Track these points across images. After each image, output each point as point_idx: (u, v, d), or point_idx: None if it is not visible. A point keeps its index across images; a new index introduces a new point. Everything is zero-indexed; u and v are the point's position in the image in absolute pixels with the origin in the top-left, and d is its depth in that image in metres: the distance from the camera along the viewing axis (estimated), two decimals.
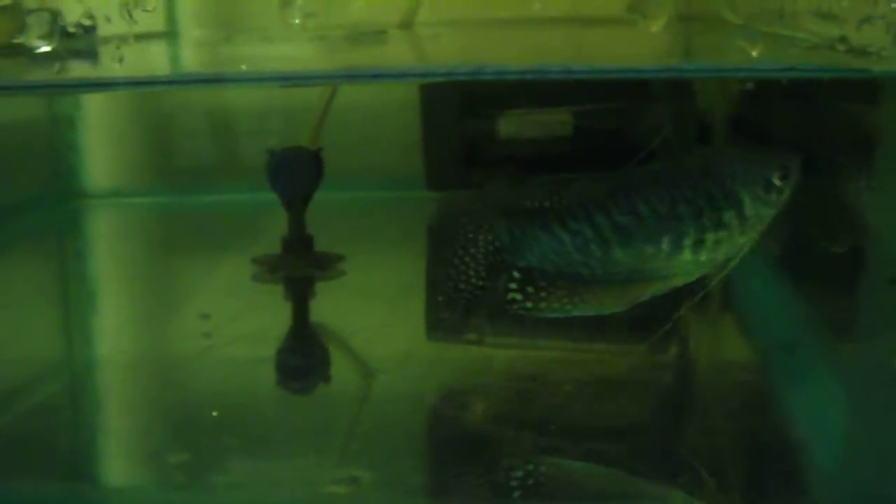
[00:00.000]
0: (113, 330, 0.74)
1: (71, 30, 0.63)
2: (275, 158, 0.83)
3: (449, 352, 0.69)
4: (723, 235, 0.50)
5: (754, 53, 0.57)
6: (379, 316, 0.74)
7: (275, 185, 0.82)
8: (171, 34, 0.94)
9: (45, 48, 0.59)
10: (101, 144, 1.10)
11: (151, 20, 0.65)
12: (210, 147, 1.10)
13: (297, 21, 0.66)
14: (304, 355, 0.69)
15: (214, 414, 0.59)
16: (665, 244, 0.49)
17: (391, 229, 0.98)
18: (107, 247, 1.02)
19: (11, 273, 0.86)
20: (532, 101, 0.99)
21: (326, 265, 0.84)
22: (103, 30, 0.65)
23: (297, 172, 0.82)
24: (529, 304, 0.50)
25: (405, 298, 0.79)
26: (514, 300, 0.50)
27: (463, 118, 1.00)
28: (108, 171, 1.10)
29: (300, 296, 0.82)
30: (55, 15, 0.60)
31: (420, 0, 0.87)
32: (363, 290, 0.81)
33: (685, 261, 0.50)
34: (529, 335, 0.68)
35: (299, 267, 0.83)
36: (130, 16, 0.61)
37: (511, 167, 0.96)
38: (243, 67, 0.66)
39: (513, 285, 0.50)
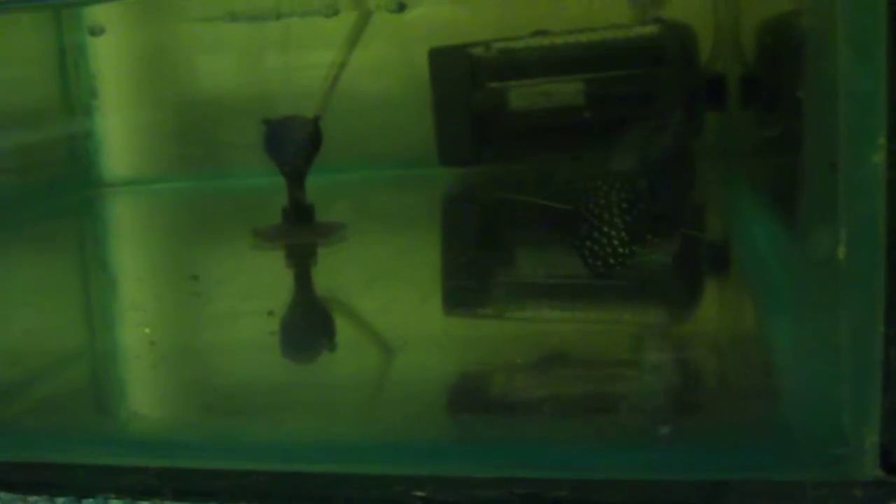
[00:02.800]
0: (135, 318, 0.70)
1: None
2: (270, 126, 0.80)
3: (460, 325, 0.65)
4: None
5: None
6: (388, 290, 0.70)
7: (270, 152, 0.80)
8: None
9: None
10: (119, 131, 1.08)
11: None
12: (228, 132, 1.08)
13: None
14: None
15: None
16: None
17: (402, 205, 0.95)
18: (125, 233, 1.00)
19: (30, 260, 0.84)
20: (544, 70, 0.95)
21: (328, 234, 0.81)
22: None
23: (292, 140, 0.79)
24: None
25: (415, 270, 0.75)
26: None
27: (474, 91, 0.97)
28: (126, 158, 1.08)
29: (300, 265, 0.78)
30: None
31: None
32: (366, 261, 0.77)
33: None
34: (545, 308, 0.64)
35: (299, 236, 0.80)
36: None
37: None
38: None
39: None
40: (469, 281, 0.69)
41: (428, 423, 0.46)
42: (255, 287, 0.72)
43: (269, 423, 0.47)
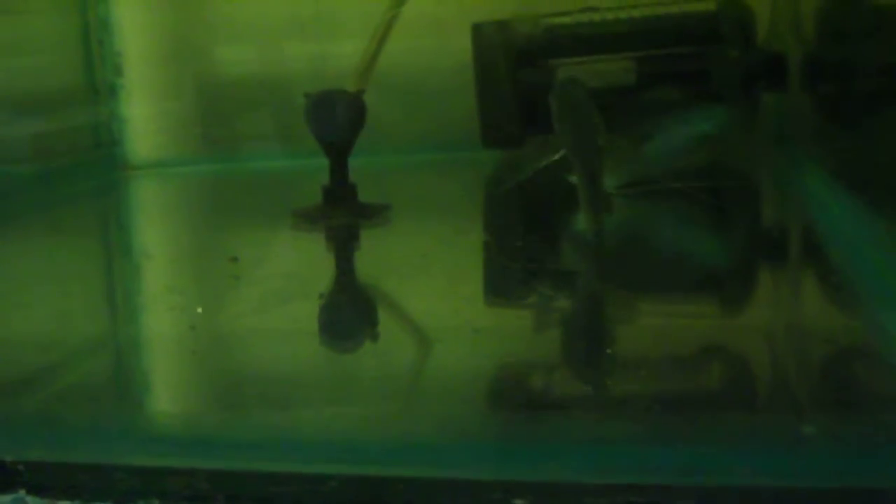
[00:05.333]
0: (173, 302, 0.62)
1: None
2: (311, 100, 0.73)
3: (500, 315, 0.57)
4: None
5: None
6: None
7: (311, 127, 0.73)
8: None
9: None
10: (144, 112, 1.01)
11: None
12: (255, 114, 1.01)
13: None
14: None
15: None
16: None
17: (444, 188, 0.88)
18: (158, 216, 0.93)
19: (60, 244, 0.77)
20: (593, 47, 0.88)
21: (371, 215, 0.74)
22: None
23: (334, 114, 0.72)
24: None
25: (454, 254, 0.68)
26: None
27: (519, 69, 0.90)
28: (152, 139, 1.01)
29: (343, 247, 0.71)
30: None
31: None
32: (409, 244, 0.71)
33: None
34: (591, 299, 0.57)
35: (341, 216, 0.73)
36: None
37: None
38: None
39: None
40: (527, 267, 0.62)
41: (524, 421, 0.39)
42: (297, 270, 0.65)
43: (333, 418, 0.40)
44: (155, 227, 0.85)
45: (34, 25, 0.93)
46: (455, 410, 0.40)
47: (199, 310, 0.53)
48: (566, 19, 0.89)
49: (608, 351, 0.45)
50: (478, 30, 0.91)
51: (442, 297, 0.57)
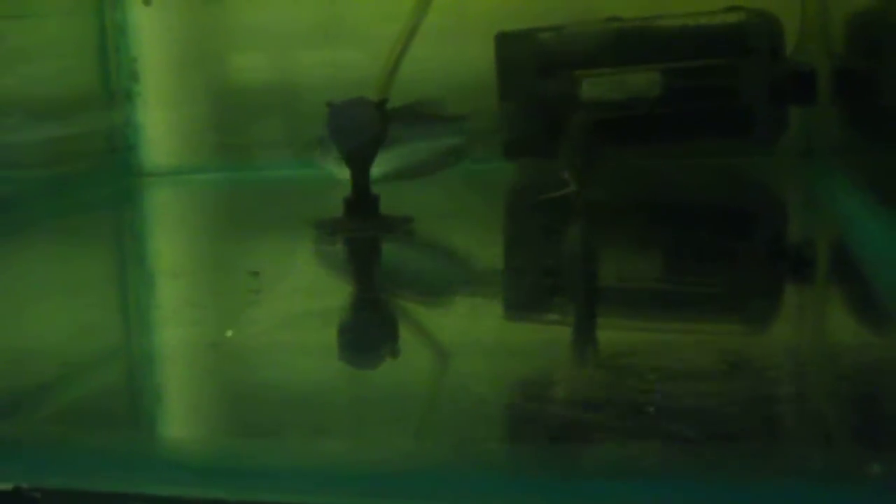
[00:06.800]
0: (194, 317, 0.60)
1: None
2: (334, 109, 0.71)
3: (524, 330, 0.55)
4: None
5: None
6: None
7: (333, 136, 0.71)
8: None
9: None
10: (160, 120, 0.99)
11: None
12: (271, 122, 0.99)
13: None
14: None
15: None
16: None
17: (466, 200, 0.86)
18: (174, 225, 0.90)
19: (75, 252, 0.75)
20: (618, 58, 0.86)
21: (393, 228, 0.71)
22: None
23: (356, 123, 0.70)
24: None
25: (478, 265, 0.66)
26: None
27: (543, 80, 0.87)
28: (167, 146, 0.99)
29: (365, 260, 0.69)
30: None
31: None
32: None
33: None
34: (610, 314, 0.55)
35: (363, 229, 0.71)
36: None
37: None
38: None
39: None
40: (563, 282, 0.60)
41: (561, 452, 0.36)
42: (319, 284, 0.62)
43: (381, 447, 0.37)
44: (172, 237, 0.83)
45: (51, 30, 0.91)
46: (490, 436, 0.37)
47: (229, 333, 0.51)
48: (591, 29, 0.87)
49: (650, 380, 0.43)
50: (501, 39, 0.89)
51: (468, 312, 0.54)
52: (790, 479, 0.32)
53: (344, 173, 0.72)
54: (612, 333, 0.51)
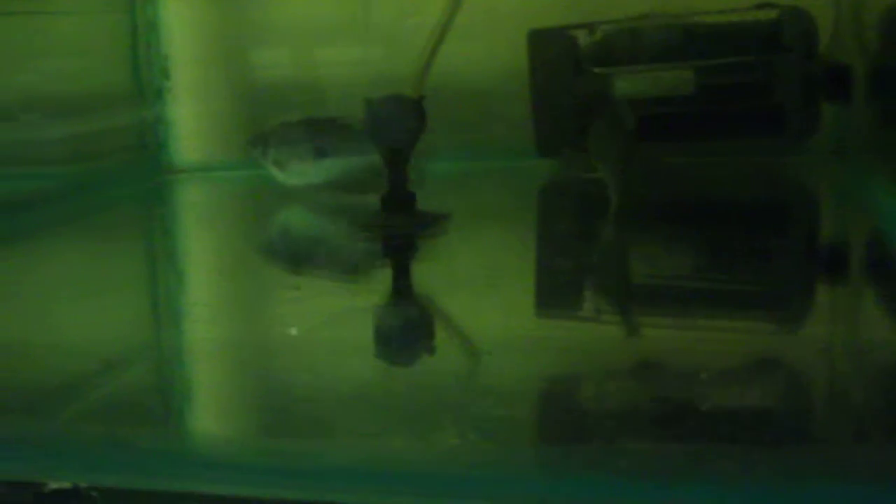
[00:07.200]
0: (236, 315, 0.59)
1: None
2: (371, 106, 0.70)
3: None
4: None
5: None
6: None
7: (370, 134, 0.70)
8: None
9: None
10: (190, 117, 0.99)
11: None
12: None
13: None
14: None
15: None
16: None
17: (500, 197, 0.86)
18: (198, 221, 0.90)
19: (108, 249, 0.74)
20: (651, 55, 0.85)
21: (429, 224, 0.71)
22: None
23: (394, 121, 0.70)
24: None
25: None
26: None
27: (576, 77, 0.87)
28: (197, 143, 0.99)
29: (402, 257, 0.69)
30: None
31: None
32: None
33: None
34: (647, 312, 0.54)
35: (399, 225, 0.71)
36: None
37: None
38: None
39: None
40: (602, 281, 0.59)
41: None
42: (360, 281, 0.62)
43: (435, 446, 0.37)
44: (205, 234, 0.83)
45: (84, 27, 0.91)
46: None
47: (294, 331, 0.50)
48: (624, 26, 0.87)
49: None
50: (534, 37, 0.88)
51: (506, 309, 0.54)
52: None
53: (282, 175, 0.72)
54: (651, 332, 0.51)
